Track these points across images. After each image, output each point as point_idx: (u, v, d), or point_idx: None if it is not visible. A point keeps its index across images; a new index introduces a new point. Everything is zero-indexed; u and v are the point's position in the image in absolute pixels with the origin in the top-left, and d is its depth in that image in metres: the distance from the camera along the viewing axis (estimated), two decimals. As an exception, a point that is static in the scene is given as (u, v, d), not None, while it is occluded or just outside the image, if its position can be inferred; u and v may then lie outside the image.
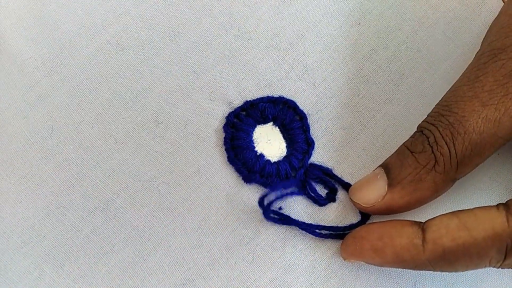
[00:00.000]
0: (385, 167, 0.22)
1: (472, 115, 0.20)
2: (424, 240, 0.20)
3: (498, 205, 0.20)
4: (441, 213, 0.21)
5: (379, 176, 0.22)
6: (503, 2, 0.26)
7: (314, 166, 0.24)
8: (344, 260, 0.23)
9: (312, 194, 0.23)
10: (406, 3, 0.26)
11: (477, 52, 0.22)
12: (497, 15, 0.23)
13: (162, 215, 0.23)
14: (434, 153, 0.21)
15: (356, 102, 0.25)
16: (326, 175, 0.24)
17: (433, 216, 0.21)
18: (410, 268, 0.21)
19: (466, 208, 0.20)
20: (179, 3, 0.26)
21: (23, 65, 0.25)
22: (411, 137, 0.22)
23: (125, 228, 0.23)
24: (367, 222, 0.23)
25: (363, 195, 0.22)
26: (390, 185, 0.21)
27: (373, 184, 0.22)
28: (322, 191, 0.24)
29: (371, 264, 0.21)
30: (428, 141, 0.21)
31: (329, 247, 0.23)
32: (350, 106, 0.25)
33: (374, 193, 0.21)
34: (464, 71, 0.22)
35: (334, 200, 0.24)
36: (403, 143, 0.22)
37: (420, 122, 0.22)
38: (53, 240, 0.23)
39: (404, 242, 0.20)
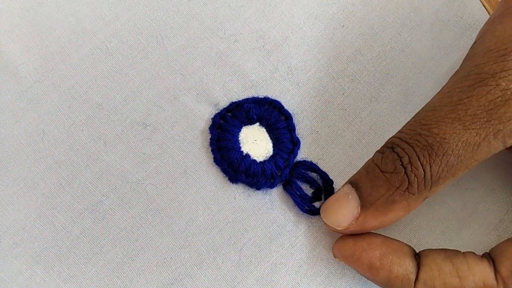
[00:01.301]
0: (356, 186, 0.21)
1: (453, 137, 0.20)
2: (417, 278, 0.21)
3: (487, 259, 0.21)
4: (426, 216, 0.22)
5: (350, 196, 0.21)
6: (484, 7, 0.26)
7: (300, 163, 0.24)
8: (334, 257, 0.23)
9: (298, 193, 0.24)
10: (389, 6, 0.26)
11: (460, 71, 0.21)
12: (482, 33, 0.22)
13: (150, 216, 0.24)
14: (408, 174, 0.20)
15: (341, 100, 0.25)
16: (312, 171, 0.24)
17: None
18: None
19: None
20: (167, 8, 0.26)
21: (15, 71, 0.25)
22: (379, 151, 0.21)
23: (114, 229, 0.23)
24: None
25: (336, 218, 0.22)
26: (363, 206, 0.21)
27: (345, 206, 0.21)
28: (308, 190, 0.24)
29: (358, 272, 0.22)
30: (401, 161, 0.20)
31: (315, 246, 0.24)
32: (335, 105, 0.25)
33: (347, 216, 0.21)
34: (445, 88, 0.21)
35: (320, 199, 0.24)
36: (372, 158, 0.21)
37: (393, 134, 0.21)
38: (44, 241, 0.23)
39: (400, 273, 0.21)
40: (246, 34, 0.26)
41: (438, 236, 0.24)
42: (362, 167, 0.22)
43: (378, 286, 0.22)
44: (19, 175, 0.24)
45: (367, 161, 0.22)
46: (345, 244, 0.22)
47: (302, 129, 0.25)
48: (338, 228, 0.22)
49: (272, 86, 0.25)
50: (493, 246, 0.24)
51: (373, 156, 0.22)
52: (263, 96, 0.25)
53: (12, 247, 0.23)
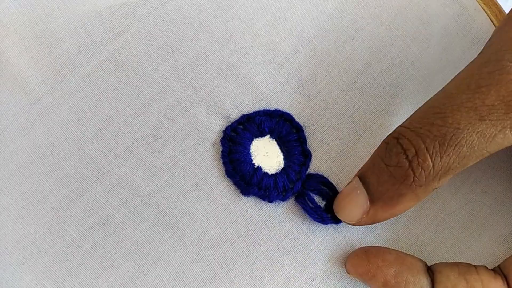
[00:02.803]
0: (363, 179, 0.21)
1: (467, 128, 0.19)
2: None
3: (500, 275, 0.21)
4: (436, 229, 0.23)
5: (358, 191, 0.21)
6: (492, 22, 0.27)
7: (312, 176, 0.24)
8: (348, 273, 0.23)
9: (311, 205, 0.24)
10: (398, 20, 0.27)
11: (479, 58, 0.20)
12: (506, 20, 0.21)
13: (162, 230, 0.23)
14: (413, 168, 0.19)
15: (352, 113, 0.25)
16: (323, 185, 0.24)
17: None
18: None
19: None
20: (177, 20, 0.26)
21: (24, 83, 0.25)
22: (385, 141, 0.21)
23: (125, 243, 0.23)
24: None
25: (348, 213, 0.22)
26: (371, 200, 0.21)
27: (355, 201, 0.21)
28: (320, 202, 0.24)
29: None
30: (406, 153, 0.19)
31: (329, 259, 0.24)
32: (345, 117, 0.25)
33: (358, 210, 0.21)
34: (462, 74, 0.20)
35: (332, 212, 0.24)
36: (377, 151, 0.21)
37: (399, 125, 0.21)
38: (54, 256, 0.23)
39: None
40: (257, 47, 0.26)
41: (449, 249, 0.24)
42: (369, 159, 0.22)
43: None
44: (29, 189, 0.24)
45: (374, 152, 0.21)
46: (359, 261, 0.22)
47: (312, 142, 0.25)
48: (351, 222, 0.22)
49: (283, 99, 0.25)
50: (503, 258, 0.24)
51: (379, 147, 0.21)
52: (274, 109, 0.25)
53: (21, 262, 0.23)
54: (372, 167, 0.21)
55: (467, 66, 0.21)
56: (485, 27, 0.27)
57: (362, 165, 0.25)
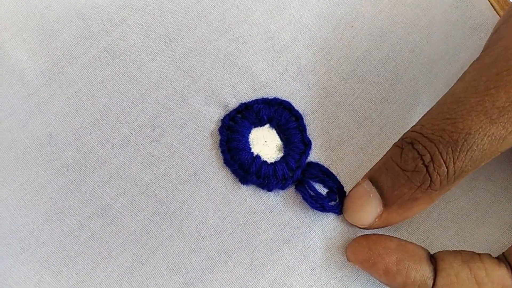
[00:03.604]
0: (375, 183, 0.21)
1: (479, 132, 0.19)
2: (434, 283, 0.20)
3: (505, 263, 0.20)
4: (439, 216, 0.22)
5: (371, 195, 0.21)
6: (493, 7, 0.26)
7: (313, 165, 0.24)
8: (348, 260, 0.22)
9: (312, 193, 0.23)
10: (397, 6, 0.26)
11: (485, 56, 0.20)
12: (506, 19, 0.21)
13: (160, 220, 0.23)
14: (430, 173, 0.19)
15: (351, 101, 0.25)
16: (323, 173, 0.24)
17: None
18: None
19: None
20: (175, 10, 0.26)
21: (22, 75, 0.25)
22: (397, 146, 0.20)
23: (123, 233, 0.23)
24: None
25: (359, 217, 0.22)
26: (386, 204, 0.21)
27: (368, 205, 0.21)
28: (322, 190, 0.24)
29: (372, 276, 0.22)
30: (422, 159, 0.19)
31: (329, 248, 0.23)
32: (345, 105, 0.25)
33: (371, 214, 0.21)
34: (469, 75, 0.20)
35: (335, 200, 0.23)
36: (390, 154, 0.21)
37: (410, 128, 0.21)
38: (52, 246, 0.23)
39: (417, 278, 0.20)
40: (255, 36, 0.26)
41: (452, 237, 0.24)
42: (380, 162, 0.21)
43: None
44: (27, 179, 0.24)
45: (385, 156, 0.21)
46: (360, 248, 0.22)
47: (312, 130, 0.25)
48: (362, 226, 0.21)
49: (282, 87, 0.25)
50: (508, 246, 0.23)
51: (391, 150, 0.21)
52: (272, 97, 0.25)
53: (20, 253, 0.23)
54: (386, 171, 0.21)
55: (473, 64, 0.20)
56: (485, 14, 0.26)
57: (362, 154, 0.24)
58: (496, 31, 0.21)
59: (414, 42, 0.26)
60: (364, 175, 0.23)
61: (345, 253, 0.23)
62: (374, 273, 0.21)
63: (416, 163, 0.20)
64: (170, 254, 0.23)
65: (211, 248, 0.23)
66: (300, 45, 0.26)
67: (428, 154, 0.19)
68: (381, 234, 0.22)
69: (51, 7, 0.26)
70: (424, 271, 0.20)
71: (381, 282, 0.21)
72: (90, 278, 0.22)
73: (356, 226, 0.22)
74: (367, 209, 0.21)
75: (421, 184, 0.20)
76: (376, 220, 0.21)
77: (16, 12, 0.26)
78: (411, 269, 0.20)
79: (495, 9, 0.26)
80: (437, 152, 0.19)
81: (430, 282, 0.20)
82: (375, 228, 0.22)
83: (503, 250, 0.22)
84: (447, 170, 0.19)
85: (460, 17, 0.26)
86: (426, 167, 0.19)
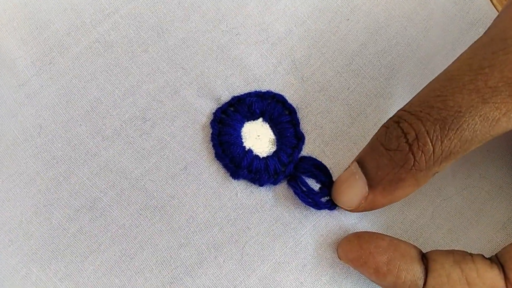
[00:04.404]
0: (361, 164, 0.21)
1: (469, 111, 0.18)
2: (425, 284, 0.20)
3: (497, 264, 0.20)
4: (432, 214, 0.22)
5: (357, 176, 0.21)
6: (491, 2, 0.26)
7: (305, 159, 0.23)
8: (339, 258, 0.22)
9: (304, 188, 0.23)
10: (394, 0, 0.26)
11: (483, 37, 0.19)
12: (508, 4, 0.20)
13: (149, 213, 0.23)
14: (414, 152, 0.19)
15: (346, 95, 0.25)
16: (317, 169, 0.23)
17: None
18: None
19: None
20: (168, 1, 0.26)
21: (13, 65, 0.25)
22: (384, 126, 0.20)
23: (112, 227, 0.23)
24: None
25: (346, 199, 0.21)
26: (370, 185, 0.20)
27: (353, 187, 0.21)
28: (314, 185, 0.23)
29: (363, 275, 0.21)
30: (406, 137, 0.19)
31: (321, 244, 0.23)
32: (339, 100, 0.24)
33: (356, 195, 0.21)
34: (465, 55, 0.19)
35: (327, 195, 0.23)
36: (376, 135, 0.20)
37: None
38: (40, 239, 0.23)
39: (408, 279, 0.20)
40: (249, 27, 0.25)
41: (445, 235, 0.23)
42: (367, 143, 0.21)
43: None
44: (15, 171, 0.23)
45: (373, 136, 0.21)
46: (351, 246, 0.21)
47: (305, 124, 0.24)
48: (349, 209, 0.21)
49: (275, 80, 0.24)
50: (501, 245, 0.23)
51: (378, 131, 0.20)
52: (266, 90, 0.24)
53: (7, 245, 0.22)
54: (371, 151, 0.20)
55: (471, 45, 0.20)
56: (484, 8, 0.26)
57: (356, 149, 0.24)
58: (498, 16, 0.21)
59: (411, 36, 0.25)
60: None
61: (336, 251, 0.22)
62: (365, 272, 0.21)
63: (398, 142, 0.19)
64: (159, 248, 0.23)
65: (201, 243, 0.23)
66: (294, 38, 0.25)
67: (413, 132, 0.19)
68: (373, 232, 0.22)
69: (43, -3, 0.26)
70: (415, 272, 0.20)
71: (372, 281, 0.21)
72: (78, 271, 0.22)
73: (344, 209, 0.22)
74: (353, 190, 0.21)
75: (404, 164, 0.19)
76: (362, 202, 0.21)
77: (7, 0, 0.25)
78: (402, 269, 0.20)
79: (493, 4, 0.26)
80: (423, 129, 0.18)
81: (421, 282, 0.20)
82: (362, 211, 0.21)
83: (497, 249, 0.22)
84: (433, 149, 0.18)
85: (459, 12, 0.26)
86: (410, 145, 0.19)
